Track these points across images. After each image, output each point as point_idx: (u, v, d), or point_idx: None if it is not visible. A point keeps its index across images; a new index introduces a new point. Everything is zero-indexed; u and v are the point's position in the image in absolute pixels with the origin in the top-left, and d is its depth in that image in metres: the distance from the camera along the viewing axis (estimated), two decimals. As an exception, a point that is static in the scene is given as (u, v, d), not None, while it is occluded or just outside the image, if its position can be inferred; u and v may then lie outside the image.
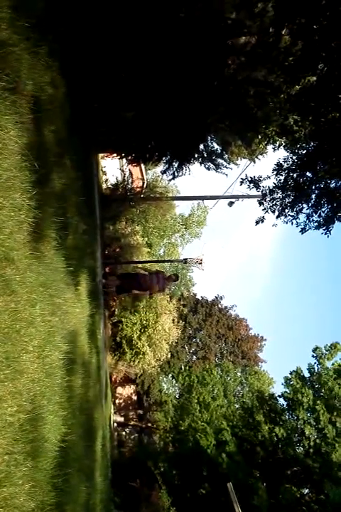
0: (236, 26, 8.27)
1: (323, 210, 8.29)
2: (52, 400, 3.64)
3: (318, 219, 8.35)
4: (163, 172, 14.33)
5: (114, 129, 10.40)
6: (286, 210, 8.70)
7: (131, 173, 21.93)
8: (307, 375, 22.71)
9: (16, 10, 3.13)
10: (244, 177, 9.06)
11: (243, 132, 11.51)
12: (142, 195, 21.30)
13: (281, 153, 10.95)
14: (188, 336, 33.51)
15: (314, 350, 22.83)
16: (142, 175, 25.15)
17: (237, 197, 18.10)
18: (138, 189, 21.63)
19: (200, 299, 34.82)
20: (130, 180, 21.18)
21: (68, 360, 4.36)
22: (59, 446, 3.65)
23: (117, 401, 28.65)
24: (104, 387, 13.11)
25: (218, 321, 33.29)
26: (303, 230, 8.61)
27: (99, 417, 8.63)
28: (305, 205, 8.52)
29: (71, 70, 5.80)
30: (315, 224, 8.42)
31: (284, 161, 8.76)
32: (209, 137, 13.12)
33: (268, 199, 8.82)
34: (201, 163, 14.21)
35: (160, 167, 15.78)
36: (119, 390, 28.99)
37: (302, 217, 8.62)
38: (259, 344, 34.21)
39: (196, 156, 13.35)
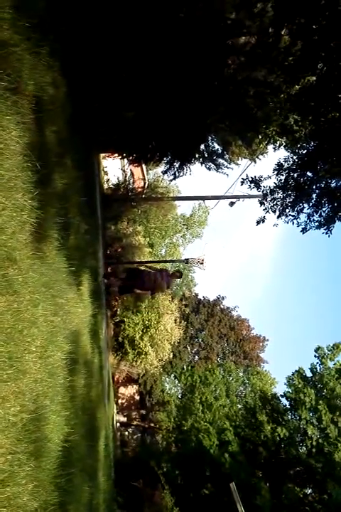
0: (236, 26, 8.28)
1: (324, 209, 8.27)
2: (55, 400, 3.64)
3: (319, 219, 8.34)
4: (164, 172, 14.35)
5: (115, 129, 10.42)
6: (287, 210, 8.68)
7: (132, 174, 21.95)
8: (309, 375, 22.72)
9: (17, 10, 3.13)
10: (244, 177, 9.04)
11: (243, 132, 11.53)
12: (143, 196, 21.32)
13: (282, 153, 10.98)
14: (190, 336, 33.52)
15: (316, 350, 22.82)
16: (143, 175, 25.15)
17: (238, 197, 18.10)
18: (139, 189, 21.65)
19: (202, 299, 34.84)
20: (131, 181, 21.21)
21: (71, 360, 4.37)
22: (62, 446, 3.65)
23: (120, 401, 28.68)
24: (107, 387, 13.13)
25: (220, 321, 33.30)
26: (304, 230, 8.60)
27: (101, 416, 8.63)
28: (305, 205, 8.50)
29: (72, 70, 5.81)
30: (316, 224, 8.40)
31: (284, 161, 8.75)
32: (209, 137, 13.14)
33: (268, 199, 8.81)
34: (202, 164, 14.23)
35: (162, 167, 15.79)
36: (122, 390, 29.02)
37: (303, 217, 8.61)
38: (261, 344, 34.21)
39: (197, 156, 13.37)
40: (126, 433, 28.38)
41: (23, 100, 3.25)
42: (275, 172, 8.74)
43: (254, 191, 9.24)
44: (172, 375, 31.18)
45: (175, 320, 21.64)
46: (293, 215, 8.68)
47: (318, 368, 22.62)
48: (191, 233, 34.25)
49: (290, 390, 22.38)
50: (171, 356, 24.15)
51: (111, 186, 20.64)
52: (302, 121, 8.21)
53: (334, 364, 22.08)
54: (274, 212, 8.79)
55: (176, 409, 26.39)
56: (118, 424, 26.03)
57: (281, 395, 23.18)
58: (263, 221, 8.96)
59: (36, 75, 3.64)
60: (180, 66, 8.37)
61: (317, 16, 6.24)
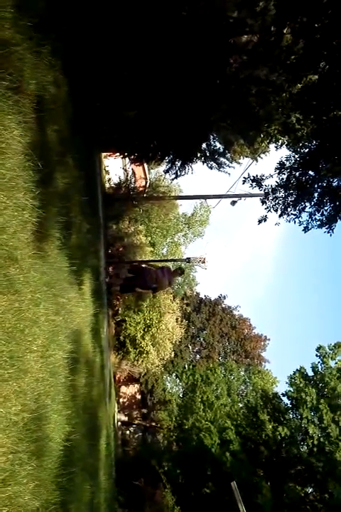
0: (238, 25, 8.27)
1: (326, 208, 8.27)
2: (56, 399, 3.64)
3: (321, 217, 8.33)
4: (166, 171, 14.34)
5: (116, 128, 10.42)
6: (289, 209, 8.68)
7: (133, 173, 21.96)
8: (311, 374, 22.70)
9: (19, 9, 3.13)
10: (246, 176, 9.05)
11: (245, 131, 11.52)
12: (145, 195, 21.32)
13: (284, 152, 11.00)
14: (192, 335, 33.52)
15: (318, 349, 22.81)
16: (145, 174, 25.16)
17: (240, 196, 18.09)
18: (141, 188, 21.65)
19: (204, 298, 34.84)
20: (133, 180, 21.20)
21: (72, 360, 4.37)
22: (63, 445, 3.66)
23: (121, 400, 28.71)
24: (108, 386, 13.13)
25: (221, 320, 33.29)
26: (306, 229, 8.59)
27: (103, 416, 8.64)
28: (307, 204, 8.49)
29: (74, 69, 5.81)
30: (318, 222, 8.39)
31: (286, 160, 8.74)
32: (211, 136, 13.14)
33: (270, 198, 8.80)
34: (203, 162, 14.24)
35: (163, 166, 15.79)
36: (123, 389, 29.05)
37: (304, 215, 8.60)
38: (263, 343, 34.20)
39: (198, 155, 13.37)
40: (128, 432, 28.39)
41: (25, 99, 3.25)
42: (277, 171, 8.73)
43: (256, 190, 9.25)
44: (174, 374, 31.19)
45: (177, 319, 21.65)
46: (294, 214, 8.67)
47: (320, 367, 22.60)
48: (193, 232, 34.26)
49: (291, 389, 22.38)
50: (172, 355, 24.17)
51: (112, 185, 20.63)
52: (305, 119, 8.20)
53: (336, 363, 22.07)
54: (276, 211, 8.79)
55: (177, 408, 26.41)
56: (119, 423, 26.05)
57: (283, 394, 23.20)
58: (265, 220, 8.95)
59: (38, 74, 3.64)
60: (181, 65, 8.36)
61: (320, 14, 6.23)
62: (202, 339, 34.14)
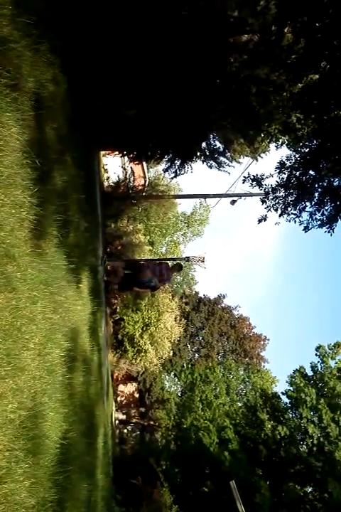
0: (238, 24, 8.27)
1: (326, 208, 8.26)
2: (53, 397, 3.64)
3: (321, 217, 8.32)
4: (165, 170, 14.36)
5: (115, 126, 10.41)
6: (289, 209, 8.67)
7: (132, 171, 21.93)
8: (310, 373, 22.73)
9: (18, 6, 3.12)
10: (246, 175, 9.04)
11: (245, 130, 11.52)
12: (144, 193, 21.32)
13: (284, 152, 11.00)
14: (191, 334, 33.52)
15: (317, 349, 22.84)
16: (144, 173, 25.12)
17: (240, 195, 18.10)
18: (139, 187, 21.65)
19: (203, 297, 34.83)
20: (132, 178, 21.19)
21: (69, 358, 4.36)
22: (60, 443, 3.65)
23: (119, 399, 28.71)
24: (106, 385, 13.13)
25: (220, 319, 33.28)
26: (306, 229, 8.59)
27: (100, 414, 8.64)
28: (308, 204, 8.49)
29: (72, 67, 5.80)
30: (318, 222, 8.39)
31: (287, 159, 8.73)
32: (211, 135, 13.13)
33: (270, 197, 8.80)
34: (203, 161, 14.23)
35: (162, 165, 15.79)
36: (121, 387, 29.04)
37: (305, 215, 8.60)
38: (262, 343, 34.19)
39: (198, 154, 13.36)
40: (125, 431, 28.40)
41: (23, 97, 3.24)
42: (278, 170, 8.72)
43: (256, 189, 9.26)
44: (172, 373, 31.21)
45: (175, 318, 21.65)
46: (295, 214, 8.67)
47: (319, 366, 22.65)
48: (192, 231, 34.23)
49: (291, 388, 22.41)
50: (171, 354, 24.17)
51: (111, 184, 20.63)
52: (305, 119, 8.19)
53: (336, 363, 22.10)
54: (276, 210, 8.78)
55: (176, 407, 26.42)
56: (117, 422, 26.05)
57: (282, 393, 23.24)
58: (265, 219, 8.95)
59: (36, 72, 3.63)
60: (182, 64, 8.35)
61: (321, 13, 6.22)
62: (201, 338, 34.12)
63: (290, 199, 8.64)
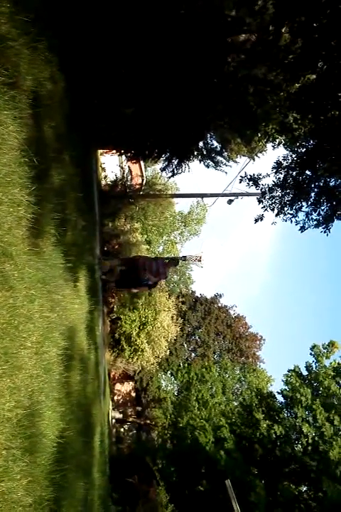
0: (236, 24, 8.27)
1: (322, 208, 8.30)
2: (51, 396, 3.64)
3: (317, 217, 8.37)
4: (163, 169, 14.37)
5: (113, 125, 10.41)
6: (285, 208, 8.70)
7: (130, 170, 21.93)
8: (305, 373, 22.78)
9: (16, 4, 3.12)
10: (243, 175, 9.07)
11: (242, 130, 11.53)
12: (141, 192, 21.32)
13: (281, 151, 11.03)
14: (187, 334, 33.52)
15: (312, 348, 22.90)
16: (141, 172, 25.11)
17: (236, 195, 18.13)
18: (137, 186, 21.65)
19: (199, 296, 34.83)
20: (129, 177, 21.18)
21: (66, 356, 4.36)
22: (57, 441, 3.65)
23: (116, 397, 28.68)
24: (103, 384, 13.13)
25: (217, 319, 33.31)
26: (302, 228, 8.62)
27: (97, 413, 8.63)
28: (304, 204, 8.53)
29: (70, 65, 5.79)
30: (314, 222, 8.43)
31: (284, 159, 8.77)
32: (208, 135, 13.14)
33: (267, 197, 8.83)
34: (200, 161, 14.26)
35: (160, 164, 15.80)
36: (118, 386, 29.02)
37: (301, 215, 8.64)
38: (258, 343, 34.23)
39: (195, 153, 13.37)
40: (122, 429, 28.37)
41: (21, 95, 3.23)
42: (274, 170, 8.75)
43: (253, 189, 9.30)
44: (169, 372, 31.22)
45: (172, 317, 21.64)
46: (291, 214, 8.70)
47: (314, 366, 22.70)
48: (189, 231, 34.26)
49: (287, 388, 22.46)
50: (168, 353, 24.17)
51: (108, 183, 20.61)
52: (302, 119, 8.22)
53: (331, 363, 22.16)
54: (272, 210, 8.81)
55: (172, 406, 26.44)
56: (113, 421, 26.03)
57: (278, 392, 23.29)
58: (262, 219, 8.97)
59: (34, 70, 3.63)
60: (179, 63, 8.35)
61: (318, 14, 6.24)
62: (197, 337, 34.14)
63: (286, 199, 8.67)
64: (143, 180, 23.97)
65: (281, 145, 11.75)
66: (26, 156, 3.22)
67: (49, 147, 4.30)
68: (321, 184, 8.27)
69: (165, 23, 7.83)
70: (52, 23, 4.56)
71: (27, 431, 2.84)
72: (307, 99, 7.39)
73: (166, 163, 13.48)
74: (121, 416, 28.80)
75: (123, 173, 20.88)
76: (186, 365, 30.72)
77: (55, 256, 4.39)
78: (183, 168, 13.63)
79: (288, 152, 9.34)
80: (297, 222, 8.68)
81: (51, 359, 3.75)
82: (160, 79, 8.60)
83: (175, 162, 13.22)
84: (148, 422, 27.83)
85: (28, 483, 2.75)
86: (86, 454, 6.11)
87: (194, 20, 7.90)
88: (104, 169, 21.09)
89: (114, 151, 16.36)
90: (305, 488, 19.91)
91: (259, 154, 15.28)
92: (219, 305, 34.21)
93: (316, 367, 22.60)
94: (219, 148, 14.30)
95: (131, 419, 29.10)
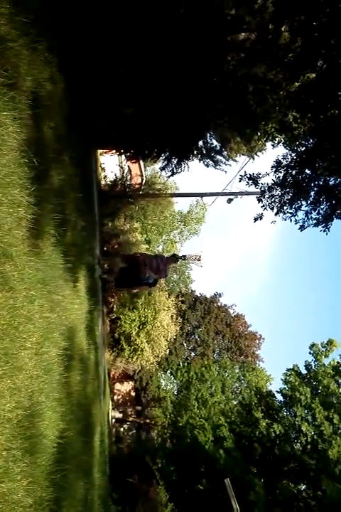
0: (235, 22, 8.26)
1: (322, 207, 8.29)
2: (51, 396, 3.64)
3: (317, 216, 8.35)
4: (162, 168, 14.33)
5: (113, 125, 10.39)
6: (285, 207, 8.69)
7: (129, 170, 21.90)
8: (304, 371, 22.81)
9: (15, 5, 3.12)
10: (242, 174, 9.05)
11: (242, 129, 11.52)
12: (141, 192, 21.28)
13: (280, 150, 11.03)
14: (187, 333, 33.53)
15: (311, 347, 22.92)
16: (141, 171, 25.08)
17: (236, 194, 18.12)
18: (136, 186, 21.60)
19: (199, 295, 34.84)
20: (129, 177, 21.15)
21: (66, 357, 4.37)
22: (57, 442, 3.65)
23: (115, 397, 28.68)
24: (103, 384, 13.13)
25: (216, 318, 33.32)
26: (302, 227, 8.61)
27: (97, 413, 8.64)
28: (304, 202, 8.51)
29: (70, 66, 5.79)
30: (314, 221, 8.42)
31: (283, 158, 8.75)
32: (208, 134, 13.12)
33: (267, 196, 8.81)
34: (200, 160, 14.23)
35: (159, 163, 15.78)
36: (117, 386, 29.01)
37: (301, 214, 8.62)
38: (257, 341, 34.24)
39: (195, 152, 13.35)
40: (122, 429, 28.37)
41: (21, 96, 3.23)
42: (274, 169, 8.74)
43: (252, 188, 9.28)
44: (168, 371, 31.23)
45: (172, 316, 21.63)
46: (290, 213, 8.69)
47: (313, 365, 22.73)
48: (188, 230, 34.22)
49: (286, 387, 22.48)
50: (167, 353, 24.15)
51: (108, 183, 20.56)
52: (302, 118, 8.21)
53: (330, 362, 22.18)
54: (272, 209, 8.80)
55: (172, 405, 26.45)
56: (113, 421, 26.03)
57: (277, 391, 23.33)
58: (261, 218, 8.96)
59: (34, 71, 3.63)
60: (179, 62, 8.35)
61: (318, 12, 6.23)
62: (197, 336, 34.15)
63: (286, 198, 8.66)
64: (142, 179, 23.92)
65: (281, 144, 11.74)
66: (26, 156, 3.23)
67: (49, 148, 4.31)
68: (321, 183, 8.26)
69: (165, 23, 7.82)
70: (51, 24, 4.56)
71: (27, 431, 2.85)
72: (307, 98, 7.38)
73: (166, 162, 13.45)
74: (120, 415, 28.81)
75: (123, 173, 20.85)
76: (186, 364, 30.73)
77: (55, 256, 4.39)
78: (183, 167, 13.60)
79: (287, 151, 9.33)
80: (296, 221, 8.67)
81: (51, 359, 3.76)
82: (160, 78, 8.60)
83: (175, 161, 13.20)
84: (148, 421, 27.84)
85: (29, 483, 2.75)
86: (86, 454, 6.12)
87: (193, 19, 7.89)
88: (103, 169, 21.06)
89: (114, 151, 16.34)
90: (304, 487, 19.97)
91: (259, 153, 15.26)
92: (219, 304, 34.22)
93: (315, 366, 22.63)
94: (218, 147, 14.27)
95: (130, 419, 29.10)
